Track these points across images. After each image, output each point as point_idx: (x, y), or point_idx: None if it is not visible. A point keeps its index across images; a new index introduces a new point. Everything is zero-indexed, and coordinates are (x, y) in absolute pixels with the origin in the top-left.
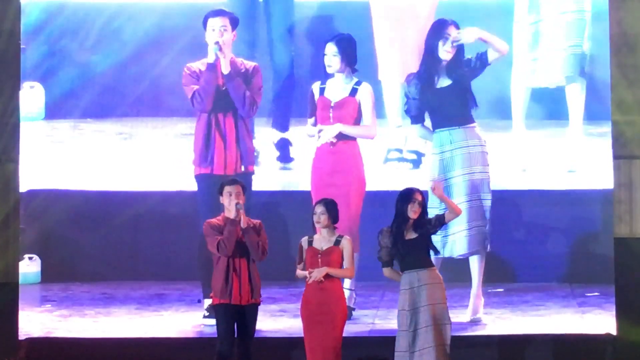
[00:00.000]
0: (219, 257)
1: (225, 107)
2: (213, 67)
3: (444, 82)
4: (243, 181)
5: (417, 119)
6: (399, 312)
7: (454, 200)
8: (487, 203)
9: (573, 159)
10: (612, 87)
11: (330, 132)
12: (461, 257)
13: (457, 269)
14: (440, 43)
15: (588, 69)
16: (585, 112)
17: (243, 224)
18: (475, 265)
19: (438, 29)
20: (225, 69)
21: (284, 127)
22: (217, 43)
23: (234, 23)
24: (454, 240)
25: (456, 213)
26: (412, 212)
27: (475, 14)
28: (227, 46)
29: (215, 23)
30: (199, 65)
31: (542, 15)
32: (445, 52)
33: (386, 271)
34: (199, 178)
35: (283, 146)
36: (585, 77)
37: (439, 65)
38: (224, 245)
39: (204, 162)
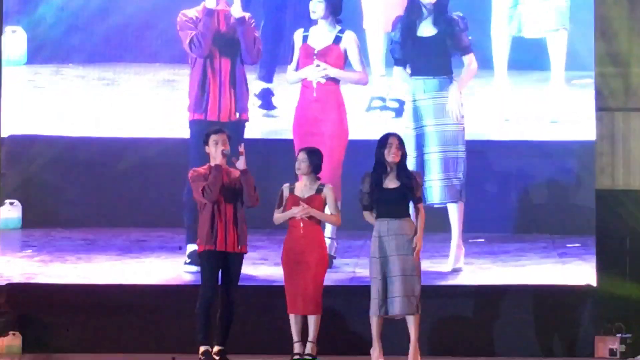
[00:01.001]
0: (204, 203)
1: (221, 53)
2: (212, 12)
3: (428, 30)
4: (237, 128)
5: (399, 62)
6: (370, 259)
7: (427, 149)
8: (461, 155)
9: (555, 110)
10: (596, 38)
11: (327, 69)
12: (438, 206)
13: (438, 219)
14: None
15: (570, 22)
16: (568, 63)
17: (242, 166)
18: (455, 215)
19: None
20: (237, 12)
21: (268, 78)
22: None
23: None
24: (430, 187)
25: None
26: (391, 155)
27: None
28: None
29: None
30: (194, 12)
31: None
32: None
33: (365, 215)
34: (192, 124)
35: (265, 95)
36: (567, 29)
37: (421, 11)
38: (209, 190)
39: (198, 108)
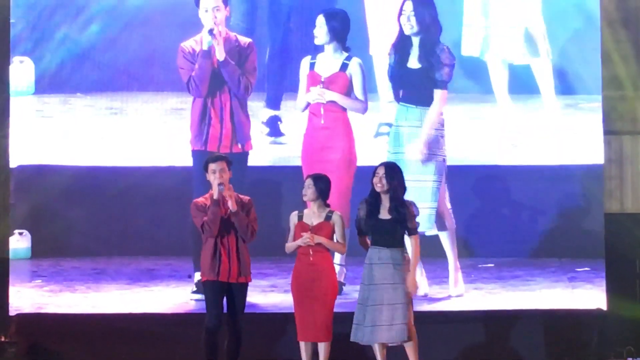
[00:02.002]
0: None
1: (220, 87)
2: (207, 53)
3: (414, 62)
4: (239, 159)
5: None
6: (360, 285)
7: (406, 175)
8: (434, 185)
9: (558, 134)
10: (603, 62)
11: (326, 94)
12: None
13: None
14: (401, 18)
15: (575, 46)
16: (575, 86)
17: (232, 207)
18: (446, 242)
19: (399, 6)
20: (220, 55)
21: (276, 105)
22: (210, 32)
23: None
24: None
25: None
26: (377, 186)
27: None
28: (221, 24)
29: (207, 3)
30: (192, 44)
31: None
32: (404, 27)
33: (360, 239)
34: (193, 154)
35: (272, 123)
36: (548, 55)
37: (408, 40)
38: (208, 227)
39: (199, 141)
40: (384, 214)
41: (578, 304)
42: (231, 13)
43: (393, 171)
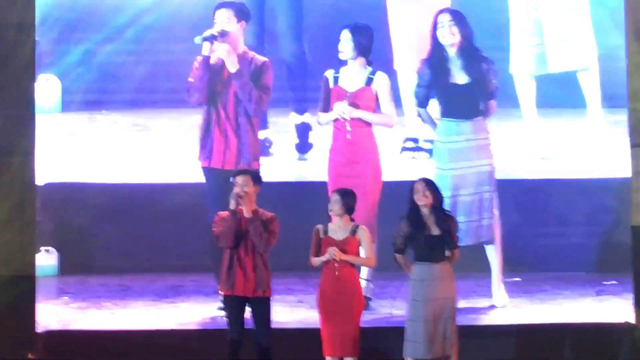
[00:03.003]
0: (224, 248)
1: (227, 99)
2: (205, 61)
3: (461, 78)
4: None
5: (422, 103)
6: (410, 301)
7: (460, 191)
8: (494, 195)
9: (591, 147)
10: (629, 74)
11: (351, 112)
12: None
13: (473, 258)
14: (438, 31)
15: (601, 58)
16: (602, 100)
17: (246, 214)
18: (492, 254)
19: (434, 19)
20: (231, 67)
21: (302, 110)
22: (210, 35)
23: (241, 14)
24: (464, 230)
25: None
26: (419, 200)
27: (489, 2)
28: (231, 38)
29: (219, 15)
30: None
31: (540, 2)
32: (445, 38)
33: (398, 257)
34: (203, 171)
35: (304, 131)
36: (596, 64)
37: (444, 54)
38: (222, 237)
39: (202, 154)
40: (432, 229)
41: (606, 317)
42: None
43: (432, 185)
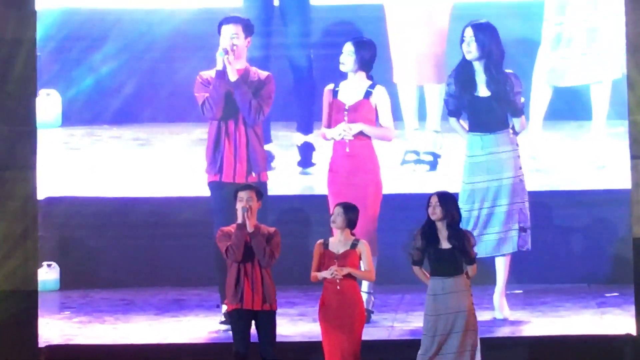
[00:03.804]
0: (231, 262)
1: (236, 115)
2: (222, 74)
3: (483, 90)
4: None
5: (453, 113)
6: (424, 316)
7: (484, 204)
8: (519, 206)
9: (591, 159)
10: (630, 86)
11: (352, 129)
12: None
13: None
14: (462, 45)
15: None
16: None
17: (249, 228)
18: (501, 266)
19: (462, 31)
20: (232, 76)
21: (307, 130)
22: (223, 49)
23: (248, 30)
24: (484, 242)
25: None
26: (432, 215)
27: (489, 14)
28: (238, 53)
29: (226, 30)
30: (210, 73)
31: (568, 16)
32: (466, 53)
33: (416, 270)
34: (210, 185)
35: (306, 150)
36: (611, 78)
37: (470, 67)
38: (232, 251)
39: (213, 169)
40: (444, 244)
41: (607, 329)
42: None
43: (446, 199)
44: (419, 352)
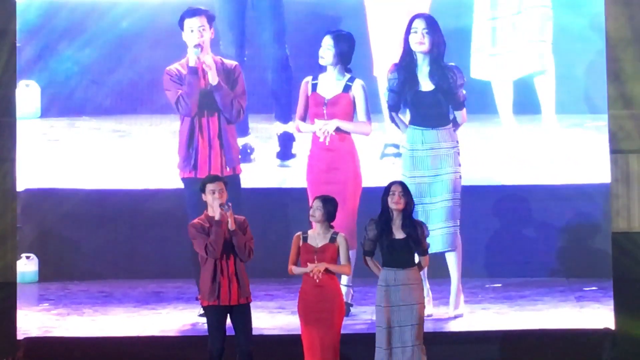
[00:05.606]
0: (206, 258)
1: (209, 108)
2: (195, 70)
3: (425, 84)
4: (232, 182)
5: (393, 108)
6: (376, 307)
7: (423, 199)
8: (456, 203)
9: (550, 152)
10: (609, 81)
11: (328, 127)
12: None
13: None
14: (410, 36)
15: (580, 64)
16: (581, 106)
17: (231, 226)
18: (452, 262)
19: (409, 23)
20: (213, 79)
21: (286, 119)
22: (198, 46)
23: (211, 20)
24: (431, 237)
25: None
26: (393, 203)
27: (467, 10)
28: (207, 46)
29: (193, 23)
30: (177, 67)
31: (500, 12)
32: (417, 44)
33: (368, 260)
34: (185, 182)
35: (286, 140)
36: (552, 69)
37: (413, 60)
38: (212, 248)
39: (187, 165)
40: (398, 234)
41: (586, 323)
42: (218, 38)
43: (406, 188)
44: (376, 344)
